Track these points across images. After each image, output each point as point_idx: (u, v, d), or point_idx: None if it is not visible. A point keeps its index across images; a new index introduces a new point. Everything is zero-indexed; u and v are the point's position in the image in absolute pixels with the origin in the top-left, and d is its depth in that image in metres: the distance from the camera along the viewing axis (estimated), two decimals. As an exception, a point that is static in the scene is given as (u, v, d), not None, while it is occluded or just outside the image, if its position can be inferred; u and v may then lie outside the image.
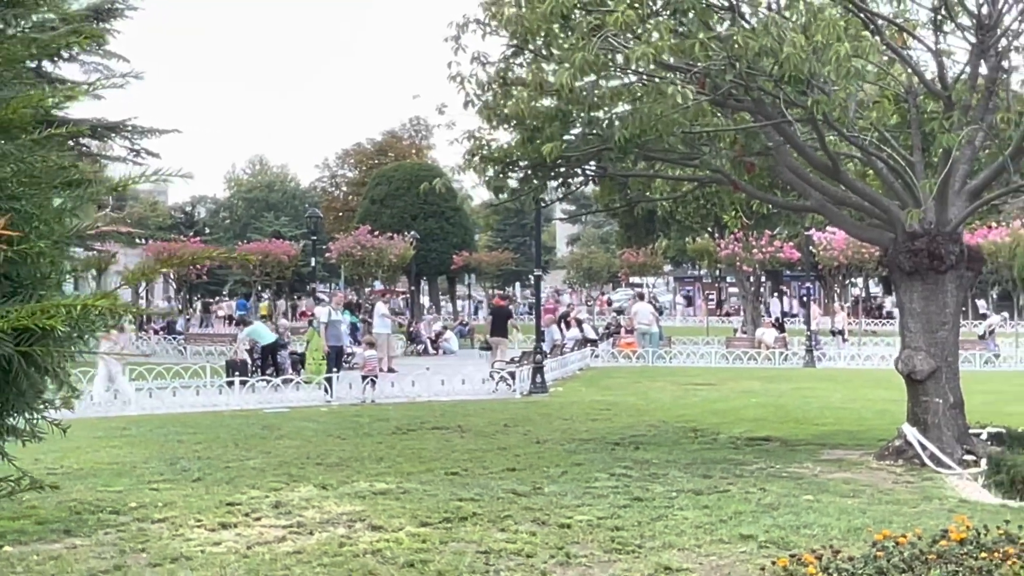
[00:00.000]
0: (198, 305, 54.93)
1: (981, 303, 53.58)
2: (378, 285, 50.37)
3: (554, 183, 14.21)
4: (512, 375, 22.30)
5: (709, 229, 41.99)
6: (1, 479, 7.42)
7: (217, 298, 64.88)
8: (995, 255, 33.89)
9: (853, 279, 50.49)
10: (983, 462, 11.39)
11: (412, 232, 43.61)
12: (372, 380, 21.21)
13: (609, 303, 61.16)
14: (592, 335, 35.12)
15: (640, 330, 32.96)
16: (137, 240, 45.21)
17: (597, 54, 10.14)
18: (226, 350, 28.90)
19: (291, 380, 21.56)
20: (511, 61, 12.26)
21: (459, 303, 64.35)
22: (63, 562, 7.27)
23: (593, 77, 10.86)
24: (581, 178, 14.07)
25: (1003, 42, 11.90)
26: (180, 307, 47.92)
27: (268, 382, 21.12)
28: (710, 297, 63.89)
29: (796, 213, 24.14)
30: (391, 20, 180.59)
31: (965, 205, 12.18)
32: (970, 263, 12.34)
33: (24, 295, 6.31)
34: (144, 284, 41.31)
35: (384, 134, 74.78)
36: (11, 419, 7.12)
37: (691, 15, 10.59)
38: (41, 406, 7.30)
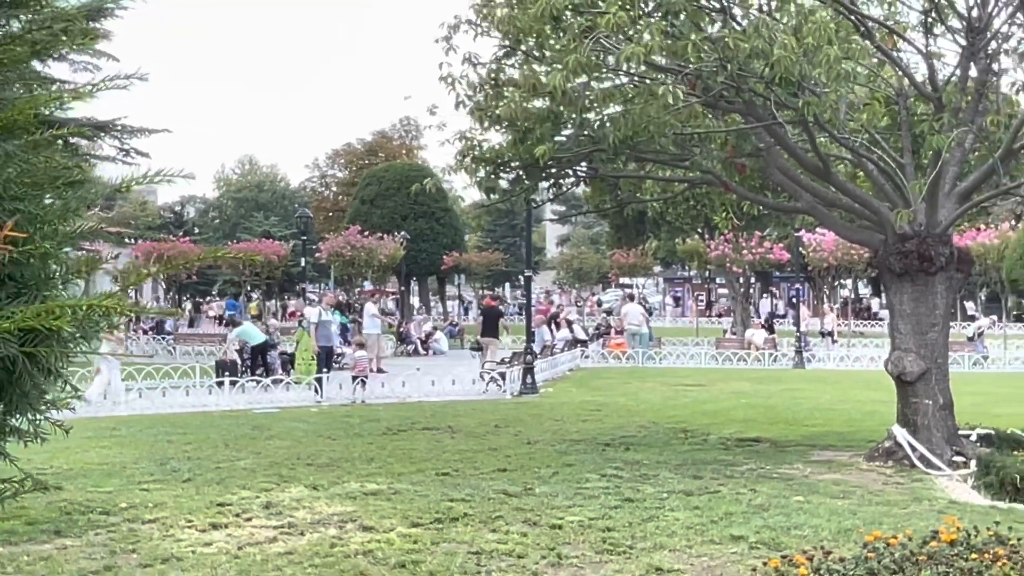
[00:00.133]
0: (188, 305, 54.76)
1: (970, 305, 53.77)
2: (368, 285, 50.30)
3: (545, 184, 14.21)
4: (502, 376, 22.29)
5: (699, 230, 42.10)
6: (3, 480, 7.36)
7: (208, 298, 64.70)
8: (984, 257, 34.12)
9: (842, 280, 50.68)
10: (972, 463, 11.43)
11: (402, 232, 43.50)
12: (362, 380, 21.16)
13: (599, 304, 61.24)
14: (582, 336, 35.20)
15: (630, 331, 33.04)
16: (126, 240, 45.03)
17: (589, 55, 10.16)
18: (216, 350, 28.82)
19: (281, 380, 21.53)
20: (503, 62, 12.27)
21: (449, 303, 64.23)
22: (53, 563, 7.25)
23: (585, 78, 10.88)
24: (572, 179, 14.07)
25: (993, 45, 11.96)
26: (170, 307, 47.76)
27: (258, 382, 21.09)
28: (700, 298, 63.95)
29: (786, 214, 24.23)
30: (391, 20, 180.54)
31: (955, 207, 12.22)
32: (960, 265, 12.38)
33: (28, 296, 6.29)
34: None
35: (374, 134, 74.55)
36: (14, 420, 7.08)
37: (682, 16, 10.61)
38: (44, 407, 7.26)
